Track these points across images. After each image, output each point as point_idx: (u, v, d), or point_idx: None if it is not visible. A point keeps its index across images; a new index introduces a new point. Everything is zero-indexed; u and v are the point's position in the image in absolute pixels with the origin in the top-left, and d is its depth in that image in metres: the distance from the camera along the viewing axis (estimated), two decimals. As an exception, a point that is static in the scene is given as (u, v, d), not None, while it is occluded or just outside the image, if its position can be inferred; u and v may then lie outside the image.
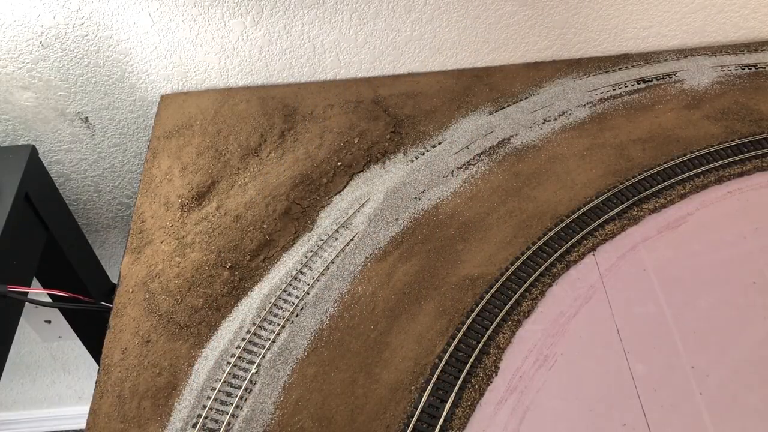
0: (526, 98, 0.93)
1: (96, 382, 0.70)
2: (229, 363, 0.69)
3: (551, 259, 0.75)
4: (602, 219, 0.78)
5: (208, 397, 0.67)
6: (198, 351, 0.71)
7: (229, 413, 0.66)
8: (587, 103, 0.92)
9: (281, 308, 0.73)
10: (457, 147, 0.88)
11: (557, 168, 0.84)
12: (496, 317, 0.70)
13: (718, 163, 0.83)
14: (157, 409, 0.67)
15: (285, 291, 0.75)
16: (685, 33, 0.98)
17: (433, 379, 0.66)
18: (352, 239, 0.79)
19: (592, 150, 0.86)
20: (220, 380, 0.68)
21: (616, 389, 0.65)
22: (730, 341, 0.68)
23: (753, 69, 0.95)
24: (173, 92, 0.99)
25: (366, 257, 0.77)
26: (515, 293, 0.72)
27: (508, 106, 0.93)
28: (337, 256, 0.78)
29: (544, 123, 0.90)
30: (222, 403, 0.67)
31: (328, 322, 0.72)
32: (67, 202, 1.07)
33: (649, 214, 0.79)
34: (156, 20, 0.89)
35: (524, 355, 0.68)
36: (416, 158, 0.87)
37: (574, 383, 0.66)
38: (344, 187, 0.85)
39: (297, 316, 0.73)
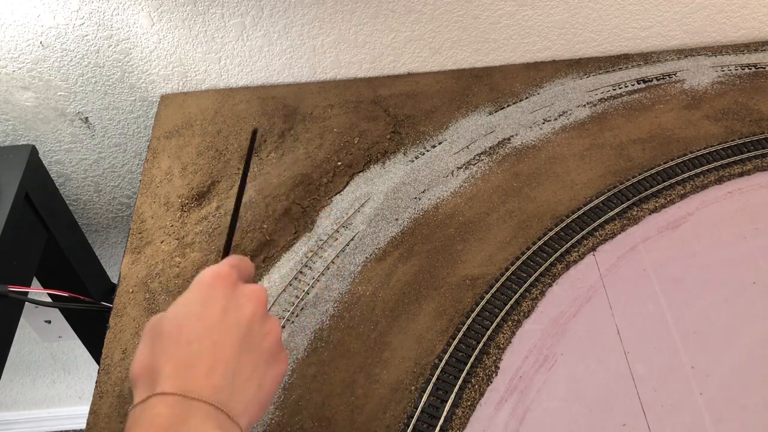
0: (526, 98, 0.93)
1: (96, 382, 0.70)
2: (229, 363, 0.69)
3: (551, 259, 0.75)
4: (602, 219, 0.78)
5: (208, 397, 0.67)
6: (198, 351, 0.71)
7: (229, 413, 0.66)
8: (587, 103, 0.92)
9: (281, 308, 0.73)
10: (457, 147, 0.88)
11: (557, 168, 0.84)
12: (496, 317, 0.70)
13: (718, 163, 0.83)
14: (157, 409, 0.67)
15: (285, 291, 0.75)
16: (685, 33, 0.98)
17: (433, 379, 0.66)
18: (352, 239, 0.79)
19: (592, 150, 0.86)
20: (220, 380, 0.68)
21: (616, 389, 0.65)
22: (730, 341, 0.68)
23: (753, 69, 0.95)
24: (173, 92, 0.99)
25: (366, 257, 0.77)
26: (515, 293, 0.72)
27: (508, 106, 0.93)
28: (337, 256, 0.78)
29: (544, 123, 0.90)
30: (222, 403, 0.67)
31: (328, 322, 0.72)
32: (67, 202, 1.07)
33: (649, 214, 0.79)
34: (156, 20, 0.89)
35: (524, 355, 0.68)
36: (416, 158, 0.87)
37: (574, 383, 0.66)
38: (344, 187, 0.85)
39: (297, 316, 0.73)
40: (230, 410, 0.43)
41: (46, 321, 1.33)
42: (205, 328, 0.45)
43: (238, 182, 0.60)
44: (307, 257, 0.78)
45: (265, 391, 0.46)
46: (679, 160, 0.84)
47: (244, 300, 0.47)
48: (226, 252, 0.57)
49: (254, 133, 0.63)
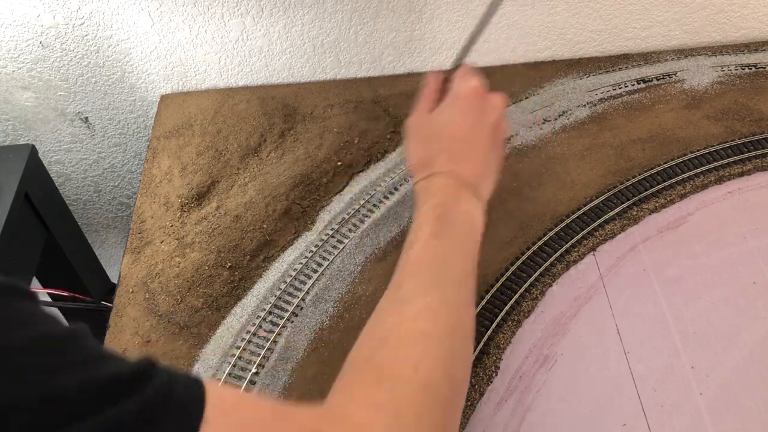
0: (526, 98, 0.93)
1: (96, 382, 0.70)
2: (229, 363, 0.69)
3: (551, 259, 0.75)
4: (602, 219, 0.78)
5: (208, 397, 0.67)
6: (198, 351, 0.71)
7: (229, 413, 0.66)
8: (587, 103, 0.92)
9: (281, 308, 0.73)
10: (457, 147, 0.88)
11: (557, 168, 0.84)
12: (496, 317, 0.70)
13: (718, 163, 0.83)
14: (157, 409, 0.67)
15: (285, 291, 0.75)
16: (685, 33, 0.98)
17: (433, 379, 0.66)
18: (352, 239, 0.79)
19: (592, 150, 0.86)
20: (220, 380, 0.68)
21: (616, 389, 0.65)
22: (730, 341, 0.68)
23: (753, 69, 0.95)
24: (173, 92, 0.99)
25: (366, 257, 0.77)
26: (515, 293, 0.72)
27: (508, 106, 0.92)
28: (337, 256, 0.78)
29: (544, 123, 0.90)
30: (222, 403, 0.67)
31: (328, 322, 0.72)
32: (67, 202, 1.07)
33: (649, 214, 0.79)
34: (156, 20, 0.89)
35: (524, 355, 0.68)
36: (416, 158, 0.87)
37: (574, 383, 0.66)
38: (344, 187, 0.85)
39: (297, 316, 0.73)
40: (482, 190, 0.59)
41: (46, 321, 1.32)
42: (466, 130, 0.61)
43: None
44: (306, 257, 0.78)
45: (496, 174, 0.63)
46: (679, 160, 0.84)
47: (491, 108, 0.63)
48: (459, 60, 0.68)
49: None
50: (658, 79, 0.95)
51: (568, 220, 0.78)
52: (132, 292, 0.76)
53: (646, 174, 0.82)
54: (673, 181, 0.81)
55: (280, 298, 0.74)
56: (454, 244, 0.55)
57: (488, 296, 0.72)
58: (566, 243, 0.76)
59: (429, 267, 0.53)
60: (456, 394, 0.48)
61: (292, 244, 0.79)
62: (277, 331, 0.72)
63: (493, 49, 0.97)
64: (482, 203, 0.59)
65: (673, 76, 0.95)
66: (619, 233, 0.77)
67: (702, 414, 0.63)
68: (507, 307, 0.71)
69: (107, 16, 0.88)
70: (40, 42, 0.90)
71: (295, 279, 0.76)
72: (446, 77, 0.68)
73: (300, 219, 0.82)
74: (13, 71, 0.93)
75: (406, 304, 0.50)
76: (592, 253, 0.76)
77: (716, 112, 0.89)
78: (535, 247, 0.76)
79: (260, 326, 0.72)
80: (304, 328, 0.72)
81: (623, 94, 0.93)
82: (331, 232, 0.80)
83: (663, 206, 0.79)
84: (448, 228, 0.55)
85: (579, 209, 0.79)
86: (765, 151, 0.84)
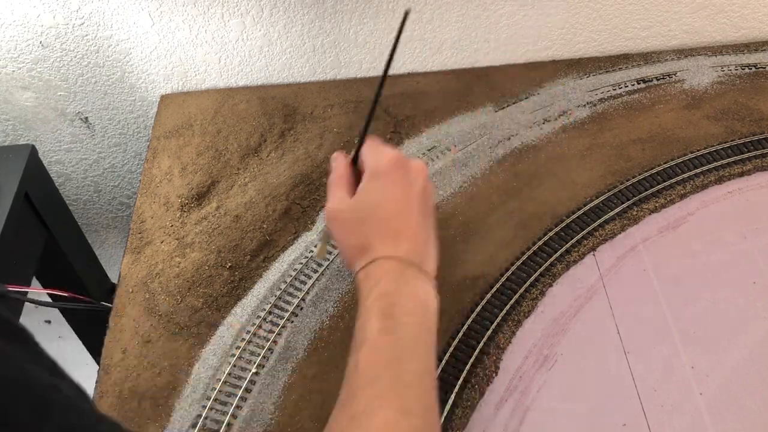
0: (526, 98, 0.93)
1: (96, 382, 0.70)
2: (229, 363, 0.69)
3: (551, 259, 0.75)
4: (602, 219, 0.78)
5: (208, 398, 0.67)
6: (198, 351, 0.71)
7: (229, 413, 0.66)
8: (587, 103, 0.92)
9: (281, 308, 0.73)
10: (457, 147, 0.88)
11: (557, 168, 0.84)
12: (496, 317, 0.70)
13: (718, 163, 0.83)
14: (157, 409, 0.67)
15: (285, 291, 0.75)
16: (685, 33, 0.98)
17: (433, 379, 0.66)
18: (352, 239, 0.79)
19: (592, 150, 0.86)
20: (220, 380, 0.68)
21: (616, 389, 0.65)
22: (730, 341, 0.68)
23: (753, 69, 0.95)
24: (173, 92, 0.99)
25: (366, 257, 0.77)
26: (515, 293, 0.72)
27: (508, 106, 0.93)
28: (337, 255, 0.77)
29: (544, 123, 0.90)
30: (222, 403, 0.67)
31: (328, 322, 0.72)
32: (67, 202, 1.07)
33: (649, 214, 0.79)
34: (156, 20, 0.89)
35: (524, 355, 0.68)
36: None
37: (574, 383, 0.66)
38: (344, 187, 0.85)
39: (297, 316, 0.73)
40: (426, 265, 0.56)
41: (46, 321, 1.33)
42: (396, 207, 0.57)
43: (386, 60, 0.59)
44: (306, 257, 0.78)
45: (436, 243, 0.59)
46: (679, 160, 0.84)
47: (415, 176, 0.59)
48: (363, 135, 0.62)
49: (406, 13, 0.59)
50: (658, 79, 0.95)
51: (568, 220, 0.78)
52: (132, 292, 0.76)
53: (646, 174, 0.82)
54: (673, 181, 0.81)
55: (280, 298, 0.74)
56: (406, 340, 0.51)
57: (488, 296, 0.72)
58: (566, 243, 0.76)
59: (382, 372, 0.48)
60: None
61: (292, 244, 0.79)
62: (277, 331, 0.72)
63: (493, 49, 0.97)
64: (430, 279, 0.56)
65: (673, 76, 0.95)
66: (619, 233, 0.77)
67: (702, 414, 0.63)
68: (507, 307, 0.71)
69: (107, 16, 0.88)
70: (40, 42, 0.90)
71: (295, 279, 0.76)
72: (354, 156, 0.63)
73: (300, 219, 0.82)
74: (13, 71, 0.93)
75: (363, 420, 0.46)
76: (592, 253, 0.76)
77: (716, 112, 0.89)
78: (535, 247, 0.76)
79: (260, 326, 0.72)
80: (304, 328, 0.72)
81: (623, 94, 0.93)
82: (331, 232, 0.80)
83: (663, 206, 0.79)
84: (398, 321, 0.51)
85: (579, 209, 0.79)
86: (765, 151, 0.84)
